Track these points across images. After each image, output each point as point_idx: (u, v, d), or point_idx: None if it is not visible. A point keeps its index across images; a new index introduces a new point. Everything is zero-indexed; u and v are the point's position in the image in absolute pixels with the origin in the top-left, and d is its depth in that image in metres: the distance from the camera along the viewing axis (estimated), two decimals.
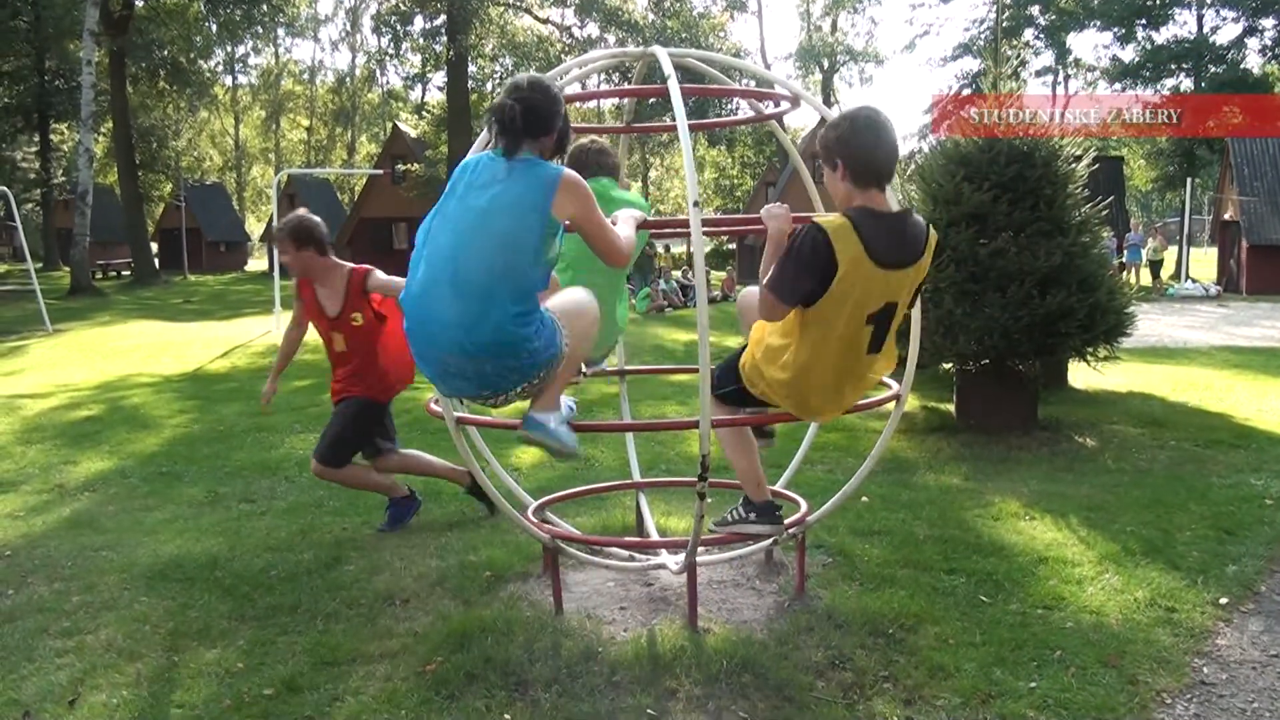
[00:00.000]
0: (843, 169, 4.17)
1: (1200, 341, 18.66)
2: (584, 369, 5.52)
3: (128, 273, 47.04)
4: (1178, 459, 8.61)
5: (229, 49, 65.27)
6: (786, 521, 5.33)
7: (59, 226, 53.96)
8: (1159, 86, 48.79)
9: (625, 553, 5.80)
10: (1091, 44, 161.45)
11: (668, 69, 4.72)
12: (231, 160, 78.24)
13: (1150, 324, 20.85)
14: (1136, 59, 50.59)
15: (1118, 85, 49.88)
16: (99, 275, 44.49)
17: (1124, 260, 32.43)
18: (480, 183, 4.10)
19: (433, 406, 5.13)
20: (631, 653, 4.52)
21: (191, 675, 4.47)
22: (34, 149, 54.57)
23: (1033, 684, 4.26)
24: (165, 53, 44.37)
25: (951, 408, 10.35)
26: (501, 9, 36.46)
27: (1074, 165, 9.53)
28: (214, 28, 49.16)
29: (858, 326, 4.24)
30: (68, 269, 40.05)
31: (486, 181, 4.09)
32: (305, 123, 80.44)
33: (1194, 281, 33.31)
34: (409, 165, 35.39)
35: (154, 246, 53.75)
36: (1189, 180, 38.56)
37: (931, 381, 11.84)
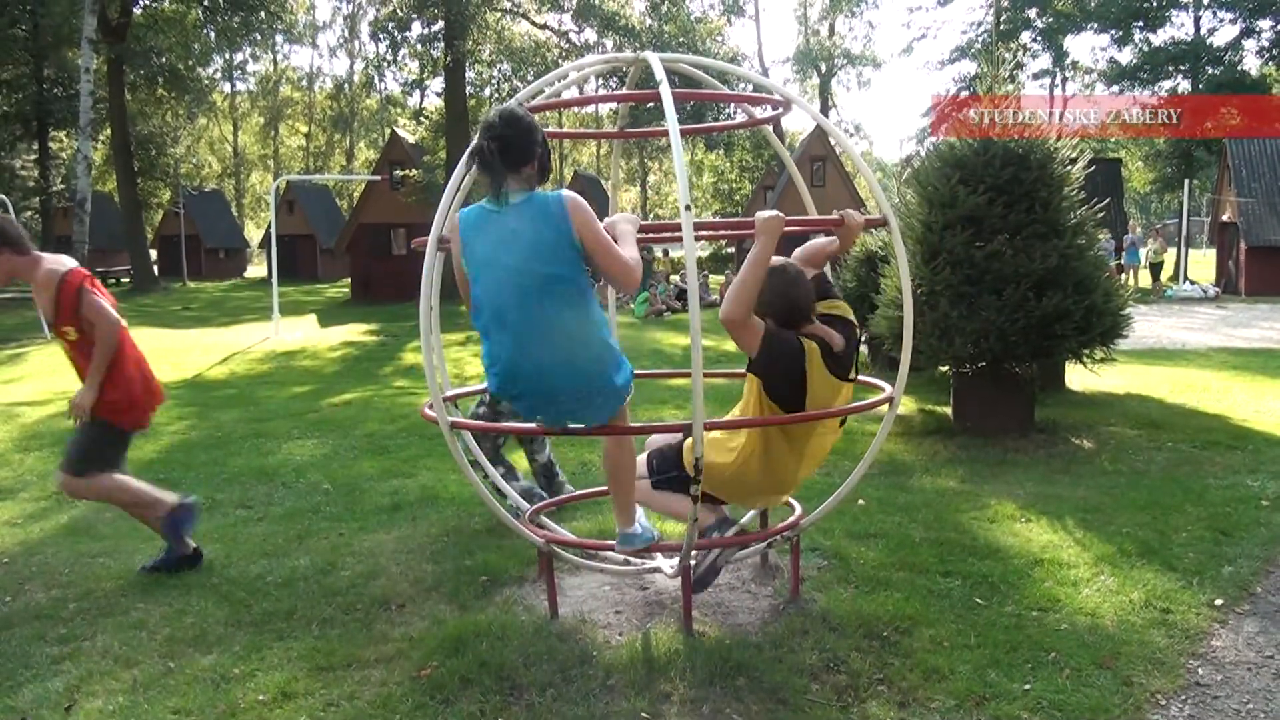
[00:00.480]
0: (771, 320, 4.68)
1: (1198, 343, 18.66)
2: None
3: (127, 280, 47.04)
4: (1175, 460, 8.62)
5: (227, 56, 65.37)
6: (781, 524, 5.36)
7: (58, 234, 53.73)
8: (1156, 88, 48.83)
9: (620, 557, 5.80)
10: (1089, 46, 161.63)
11: (660, 74, 4.74)
12: (230, 167, 78.26)
13: (1148, 325, 20.87)
14: (1134, 61, 50.63)
15: (1115, 88, 49.90)
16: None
17: (1122, 262, 32.44)
18: (496, 240, 4.27)
19: (427, 412, 5.13)
20: (626, 656, 4.53)
21: (187, 681, 4.48)
22: (33, 157, 54.48)
23: (1027, 686, 4.26)
24: (163, 60, 44.35)
25: (948, 410, 10.35)
26: (499, 14, 36.47)
27: (1070, 167, 9.53)
28: (212, 35, 49.12)
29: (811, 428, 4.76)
30: None
31: (502, 238, 4.24)
32: (304, 129, 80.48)
33: (1192, 283, 33.31)
34: (407, 171, 35.33)
35: (153, 253, 53.79)
36: (1187, 182, 38.57)
37: (928, 384, 11.86)
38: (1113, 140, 49.99)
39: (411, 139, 39.19)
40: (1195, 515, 6.77)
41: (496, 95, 37.92)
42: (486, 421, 6.60)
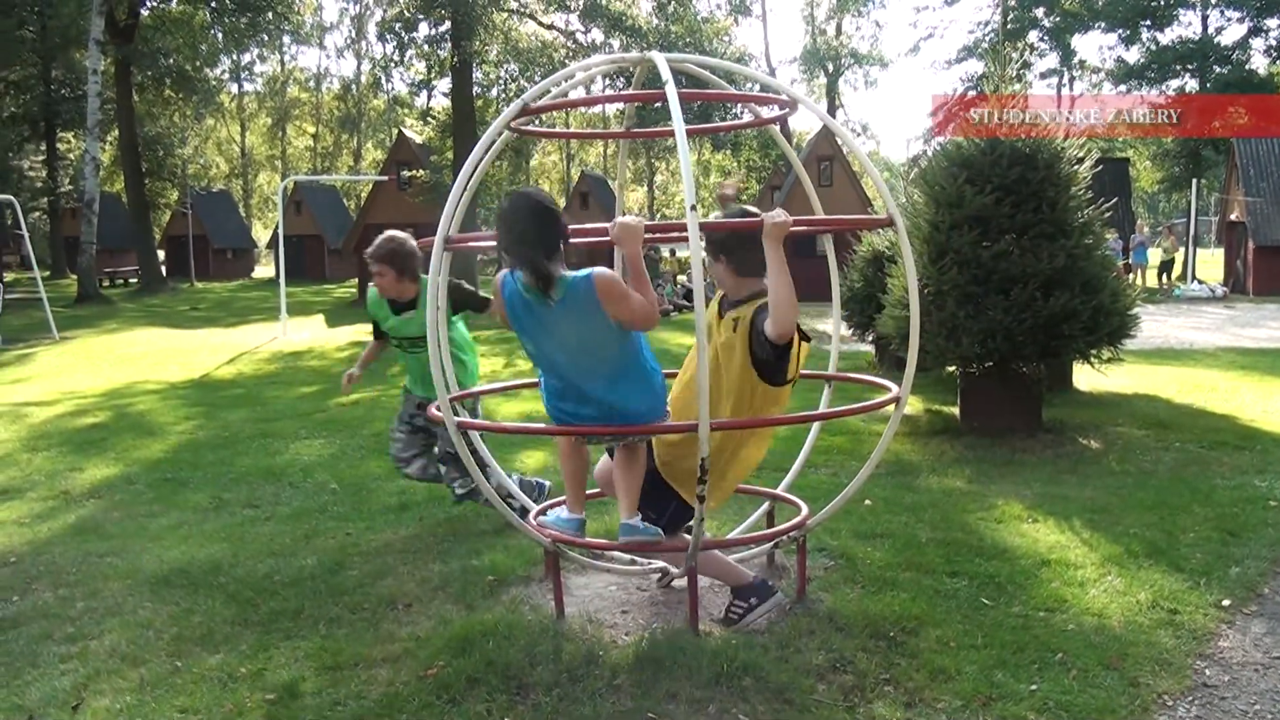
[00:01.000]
0: (725, 262, 4.85)
1: (1206, 343, 18.62)
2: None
3: (134, 280, 47.13)
4: (1182, 461, 8.60)
5: (235, 57, 65.51)
6: (788, 524, 5.36)
7: (66, 235, 54.10)
8: (1164, 87, 48.69)
9: (627, 557, 5.80)
10: (1096, 45, 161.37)
11: (666, 74, 4.74)
12: (238, 167, 78.41)
13: (1156, 325, 20.83)
14: (1141, 60, 50.49)
15: (1122, 87, 49.77)
16: (106, 283, 44.54)
17: (1129, 262, 32.36)
18: (542, 333, 4.58)
19: (434, 412, 5.14)
20: (632, 656, 4.53)
21: (194, 680, 4.49)
22: (40, 157, 54.72)
23: (1034, 686, 4.26)
24: (171, 61, 44.43)
25: (955, 410, 10.34)
26: (506, 15, 36.46)
27: (1077, 167, 9.51)
28: (219, 36, 49.27)
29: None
30: (75, 277, 40.14)
31: (548, 332, 4.56)
32: (311, 129, 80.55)
33: (1200, 282, 33.23)
34: (414, 171, 35.31)
35: (160, 254, 53.90)
36: (1195, 181, 38.48)
37: (935, 384, 11.85)
38: (1120, 140, 49.87)
39: (419, 139, 39.21)
40: (1203, 516, 6.76)
41: (504, 96, 37.94)
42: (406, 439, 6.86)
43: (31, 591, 5.83)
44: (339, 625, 5.09)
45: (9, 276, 40.02)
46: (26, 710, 4.28)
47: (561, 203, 66.37)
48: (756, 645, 4.62)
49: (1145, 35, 51.30)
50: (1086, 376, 11.90)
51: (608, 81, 33.65)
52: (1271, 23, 48.24)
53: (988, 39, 54.71)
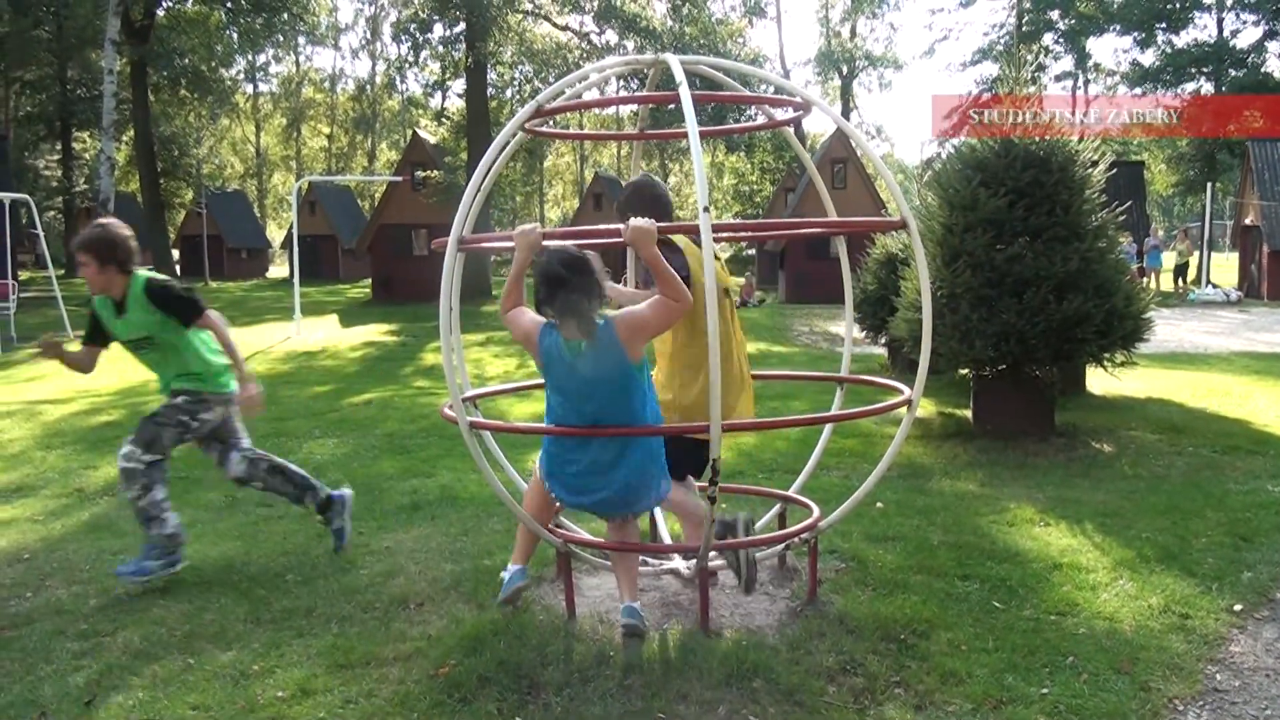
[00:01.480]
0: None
1: (1220, 347, 18.57)
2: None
3: None
4: (1195, 465, 8.58)
5: (250, 57, 65.73)
6: (799, 526, 5.36)
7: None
8: (1179, 90, 48.55)
9: (638, 557, 5.81)
10: (1111, 48, 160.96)
11: (679, 76, 4.75)
12: (253, 167, 78.62)
13: (1170, 329, 20.77)
14: (1156, 63, 50.37)
15: (1138, 90, 49.65)
16: None
17: (1143, 265, 32.27)
18: (570, 379, 4.67)
19: (447, 412, 5.16)
20: (643, 657, 4.53)
21: (207, 677, 4.51)
22: (56, 157, 55.01)
23: (1044, 690, 4.26)
24: (186, 61, 44.60)
25: (968, 413, 10.33)
26: (520, 16, 36.53)
27: (1091, 170, 9.50)
28: (235, 36, 49.44)
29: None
30: None
31: (578, 377, 4.63)
32: (326, 130, 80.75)
33: (1215, 287, 33.11)
34: (429, 172, 35.36)
35: (175, 253, 54.07)
36: (1210, 185, 38.34)
37: (948, 387, 11.84)
38: (1135, 143, 49.75)
39: (433, 140, 39.28)
40: (1215, 520, 6.74)
41: (518, 97, 37.99)
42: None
43: (45, 588, 5.86)
44: (351, 624, 5.11)
45: (24, 275, 40.17)
46: (40, 706, 4.31)
47: (575, 204, 66.51)
48: (767, 647, 4.63)
49: (1160, 38, 51.19)
50: (1100, 380, 11.87)
51: (621, 83, 33.67)
52: None
53: (1002, 41, 54.60)
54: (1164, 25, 50.50)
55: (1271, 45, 49.63)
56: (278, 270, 66.84)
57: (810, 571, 5.36)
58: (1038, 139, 9.43)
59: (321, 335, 24.21)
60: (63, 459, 9.60)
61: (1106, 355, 9.39)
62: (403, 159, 40.26)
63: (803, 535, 5.35)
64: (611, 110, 57.09)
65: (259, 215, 72.94)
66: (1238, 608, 5.22)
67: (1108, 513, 6.95)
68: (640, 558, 5.46)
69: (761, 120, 6.52)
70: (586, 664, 4.45)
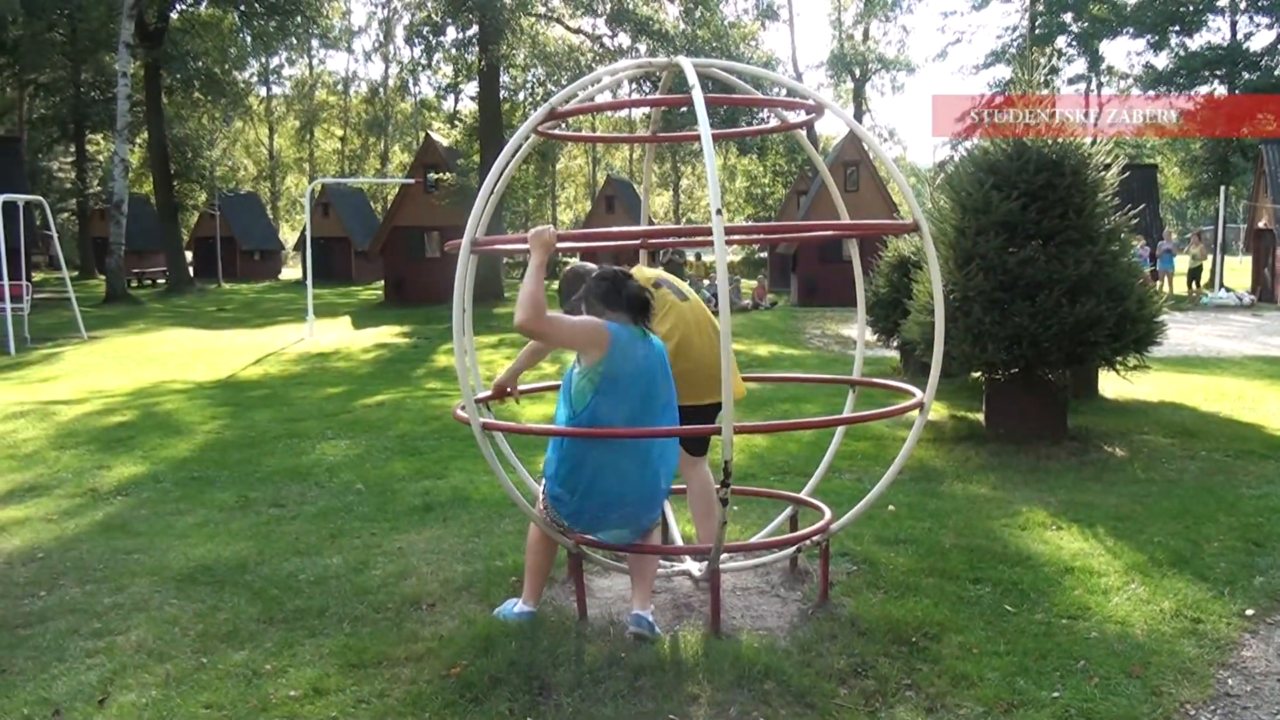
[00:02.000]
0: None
1: (1233, 351, 18.52)
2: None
3: (162, 281, 47.40)
4: (1207, 469, 8.56)
5: (263, 60, 65.92)
6: (811, 529, 5.36)
7: (95, 235, 54.55)
8: (1193, 93, 48.38)
9: (656, 562, 5.82)
10: (1124, 51, 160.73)
11: (692, 79, 4.76)
12: (266, 170, 78.77)
13: (1183, 333, 20.71)
14: (1170, 66, 50.21)
15: (1151, 93, 49.47)
16: (134, 283, 44.86)
17: (1156, 269, 32.17)
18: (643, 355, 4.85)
19: (459, 413, 5.17)
20: (654, 658, 4.53)
21: (219, 677, 4.53)
22: (70, 159, 55.20)
23: (1055, 694, 4.25)
24: (200, 64, 44.71)
25: (980, 417, 10.31)
26: (533, 19, 36.55)
27: (1103, 173, 9.48)
28: (248, 39, 49.56)
29: None
30: (103, 277, 40.45)
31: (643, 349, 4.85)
32: (339, 132, 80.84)
33: (1228, 290, 32.99)
34: (441, 174, 35.39)
35: (189, 255, 54.19)
36: (1223, 188, 38.21)
37: (960, 390, 11.82)
38: (1149, 146, 49.60)
39: (446, 143, 39.32)
40: (1227, 525, 6.73)
41: (530, 99, 38.01)
42: None
43: (59, 587, 5.88)
44: (363, 624, 5.13)
45: (38, 276, 40.34)
46: (53, 704, 4.33)
47: (587, 206, 66.52)
48: (778, 649, 4.64)
49: (1174, 41, 51.02)
50: (1112, 384, 11.84)
51: (633, 86, 33.69)
52: None
53: (1015, 44, 54.49)
54: (1177, 28, 50.35)
55: None
56: (290, 272, 66.98)
57: (822, 574, 5.36)
58: (1050, 140, 9.41)
59: (334, 337, 24.26)
60: (76, 459, 9.63)
61: (1119, 359, 9.38)
62: (415, 161, 40.31)
63: (815, 538, 5.35)
64: (624, 112, 57.07)
65: (272, 217, 73.07)
66: (1250, 612, 5.21)
67: (1120, 516, 6.94)
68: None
69: (774, 123, 6.53)
70: (598, 665, 4.46)
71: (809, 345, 21.39)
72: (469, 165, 34.85)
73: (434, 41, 37.44)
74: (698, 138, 4.55)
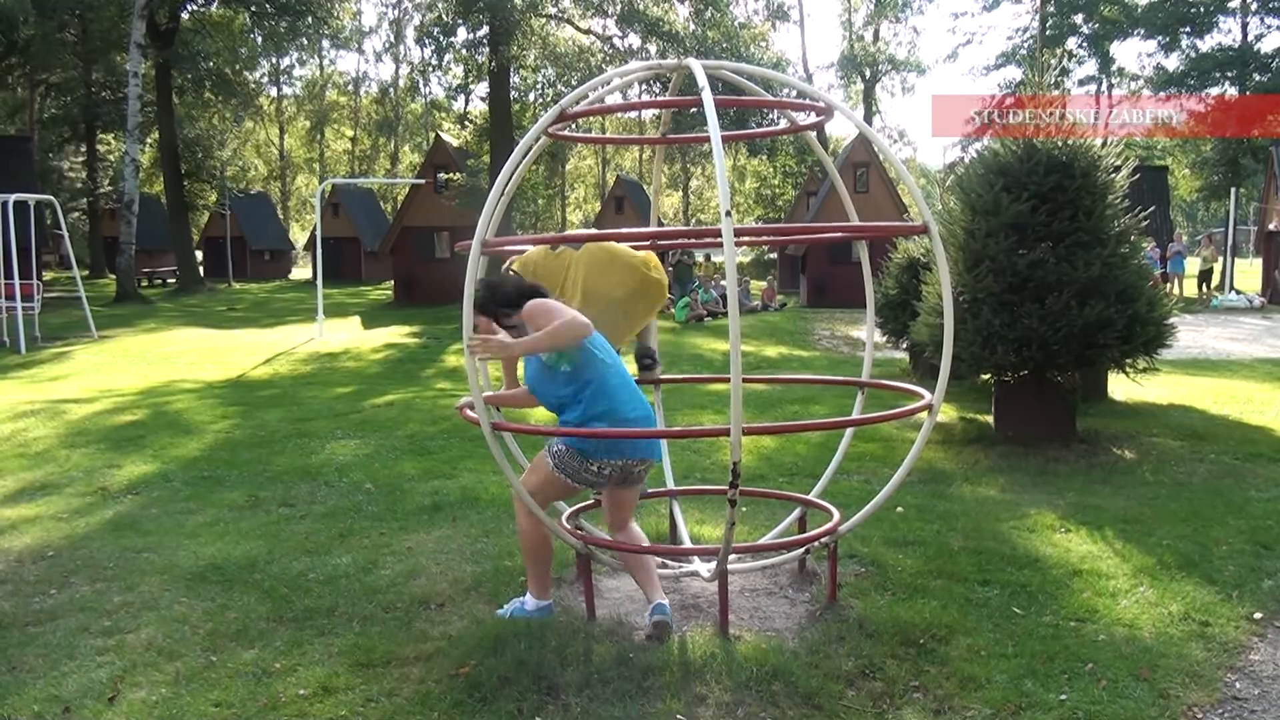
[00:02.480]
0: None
1: (1243, 353, 18.47)
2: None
3: (173, 280, 47.52)
4: (1217, 472, 8.55)
5: (274, 60, 65.99)
6: (819, 530, 5.37)
7: (105, 235, 54.61)
8: (1204, 95, 48.24)
9: (658, 559, 5.83)
10: (1135, 53, 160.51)
11: (702, 81, 4.77)
12: (276, 170, 78.84)
13: (1193, 336, 20.66)
14: (1181, 67, 50.07)
15: (1162, 94, 49.33)
16: (144, 283, 44.98)
17: (1166, 271, 32.08)
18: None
19: (468, 413, 5.18)
20: (663, 659, 4.55)
21: (229, 675, 4.55)
22: (81, 159, 55.33)
23: (1063, 696, 4.26)
24: (211, 64, 44.85)
25: (989, 419, 10.31)
26: (543, 20, 36.55)
27: (1113, 175, 9.47)
28: (259, 40, 49.68)
29: None
30: (113, 276, 40.58)
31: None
32: (349, 133, 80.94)
33: (1238, 293, 32.91)
34: (451, 175, 35.39)
35: (199, 255, 54.32)
36: (1234, 190, 38.10)
37: (970, 392, 11.80)
38: (1159, 147, 49.45)
39: (455, 143, 39.33)
40: (1236, 528, 6.72)
41: (541, 100, 38.05)
42: None
43: (69, 585, 5.91)
44: (372, 623, 5.14)
45: (48, 275, 40.48)
46: (63, 701, 4.35)
47: (596, 207, 66.52)
48: (786, 650, 4.64)
49: (1185, 42, 50.86)
50: (1122, 386, 11.82)
51: (643, 87, 33.68)
52: None
53: (1026, 45, 54.37)
54: (1188, 29, 50.19)
55: None
56: (300, 272, 67.14)
57: (830, 575, 5.37)
58: (1060, 142, 9.40)
59: (344, 337, 24.31)
60: (86, 458, 9.66)
61: (1128, 361, 9.36)
62: (425, 162, 40.34)
63: (823, 539, 5.35)
64: (634, 113, 57.06)
65: (282, 217, 73.23)
66: (1258, 616, 5.21)
67: (1128, 519, 6.93)
68: (660, 560, 5.48)
69: (784, 124, 6.53)
70: (606, 665, 4.47)
71: (818, 346, 21.38)
72: (478, 165, 34.88)
73: (444, 42, 37.41)
74: (707, 139, 4.55)
